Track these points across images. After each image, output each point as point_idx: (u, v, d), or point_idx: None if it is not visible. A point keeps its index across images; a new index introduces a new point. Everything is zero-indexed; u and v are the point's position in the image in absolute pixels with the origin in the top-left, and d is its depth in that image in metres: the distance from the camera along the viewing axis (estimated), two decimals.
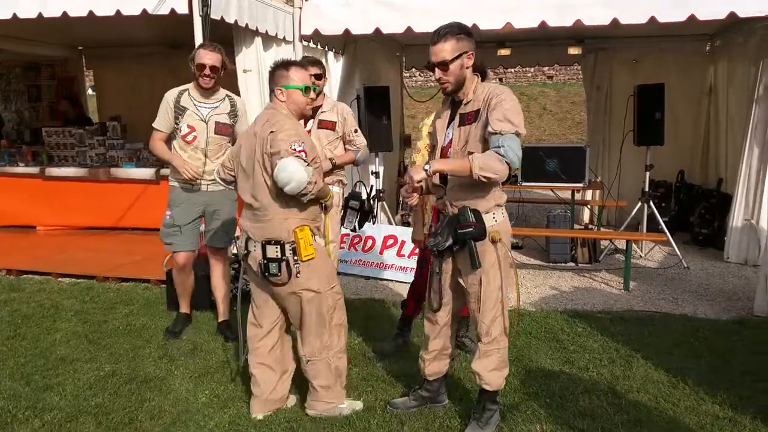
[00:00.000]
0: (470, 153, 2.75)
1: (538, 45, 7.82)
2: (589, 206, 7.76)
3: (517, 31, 5.04)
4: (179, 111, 4.05)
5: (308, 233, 2.94)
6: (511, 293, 3.09)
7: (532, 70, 18.08)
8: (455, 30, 2.77)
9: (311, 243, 2.95)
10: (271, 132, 2.89)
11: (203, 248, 5.24)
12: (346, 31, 5.18)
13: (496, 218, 2.87)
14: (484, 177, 2.64)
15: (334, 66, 7.12)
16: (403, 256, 5.76)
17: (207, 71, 3.97)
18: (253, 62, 6.18)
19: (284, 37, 6.57)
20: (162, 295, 5.14)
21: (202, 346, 4.14)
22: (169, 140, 4.19)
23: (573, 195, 7.11)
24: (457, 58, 2.75)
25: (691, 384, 3.49)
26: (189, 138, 4.07)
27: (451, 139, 2.89)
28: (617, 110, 7.83)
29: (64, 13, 4.99)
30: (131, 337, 4.31)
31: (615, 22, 4.66)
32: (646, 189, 6.50)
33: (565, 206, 7.09)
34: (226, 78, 4.97)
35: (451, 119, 2.94)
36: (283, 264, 2.93)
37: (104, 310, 4.87)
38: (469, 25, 4.84)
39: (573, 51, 7.64)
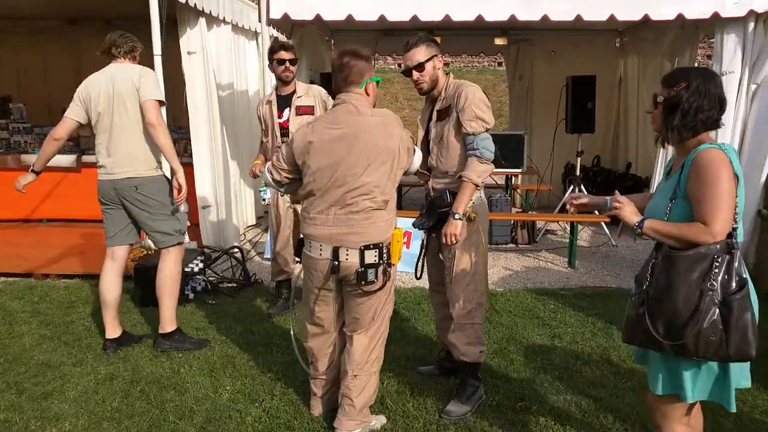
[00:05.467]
0: (444, 147, 3.10)
1: (465, 35, 8.06)
2: (518, 190, 8.21)
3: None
4: None
5: (401, 234, 2.81)
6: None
7: None
8: (424, 38, 3.09)
9: (401, 246, 2.84)
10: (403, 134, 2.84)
11: None
12: (317, 17, 5.09)
13: (473, 199, 3.07)
14: (483, 181, 3.06)
15: None
16: None
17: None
18: (197, 44, 5.93)
19: (224, 18, 6.35)
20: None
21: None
22: None
23: (509, 180, 7.48)
24: (429, 59, 3.05)
25: None
26: None
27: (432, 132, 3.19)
28: (538, 99, 8.36)
29: None
30: None
31: (579, 18, 4.99)
32: (578, 173, 7.02)
33: (503, 190, 7.45)
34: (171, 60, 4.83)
35: (431, 115, 3.21)
36: (380, 269, 2.74)
37: (64, 310, 4.52)
38: (441, 15, 5.05)
39: (499, 42, 7.97)
